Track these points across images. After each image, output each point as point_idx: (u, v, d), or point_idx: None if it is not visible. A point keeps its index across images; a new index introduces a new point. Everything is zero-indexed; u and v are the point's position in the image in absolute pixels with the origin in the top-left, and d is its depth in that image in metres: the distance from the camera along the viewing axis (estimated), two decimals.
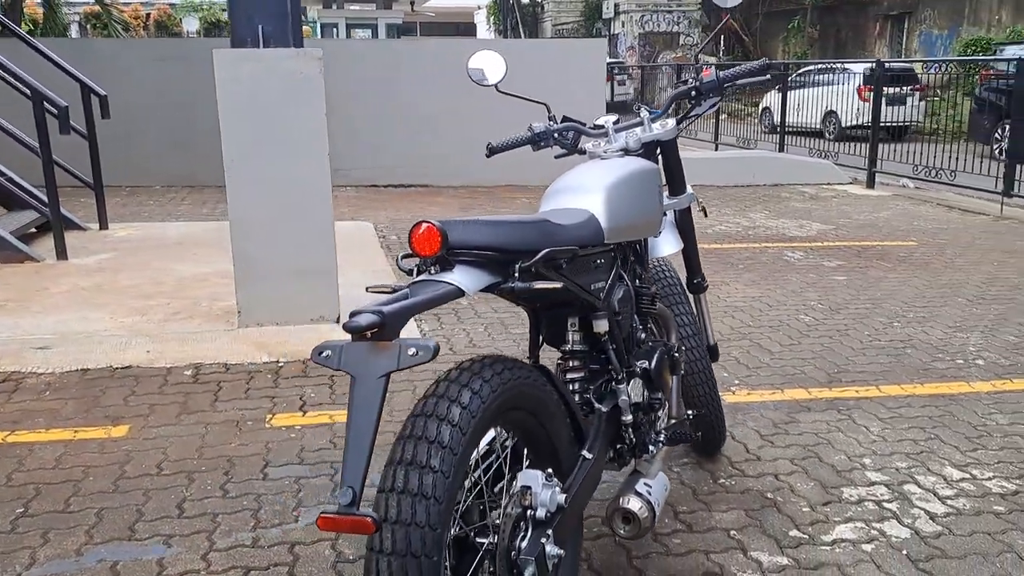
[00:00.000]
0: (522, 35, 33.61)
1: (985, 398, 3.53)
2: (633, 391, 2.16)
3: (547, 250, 1.70)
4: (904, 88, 16.52)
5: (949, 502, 2.66)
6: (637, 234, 2.28)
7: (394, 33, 33.33)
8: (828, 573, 2.28)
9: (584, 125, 2.53)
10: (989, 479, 2.81)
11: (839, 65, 16.88)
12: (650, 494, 2.10)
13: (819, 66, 16.95)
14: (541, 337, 2.14)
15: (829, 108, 16.74)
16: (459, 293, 1.60)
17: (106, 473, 2.82)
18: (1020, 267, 5.95)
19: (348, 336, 1.45)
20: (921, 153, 9.71)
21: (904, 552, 2.38)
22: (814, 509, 2.62)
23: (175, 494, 2.68)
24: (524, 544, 1.68)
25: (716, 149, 13.88)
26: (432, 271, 1.64)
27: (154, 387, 3.57)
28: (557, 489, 1.76)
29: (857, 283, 5.46)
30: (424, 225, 1.58)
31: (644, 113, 2.50)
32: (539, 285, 1.70)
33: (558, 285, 1.72)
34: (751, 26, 27.94)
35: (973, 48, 18.10)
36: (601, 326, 2.05)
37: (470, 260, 1.65)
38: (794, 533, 2.48)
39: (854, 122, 15.96)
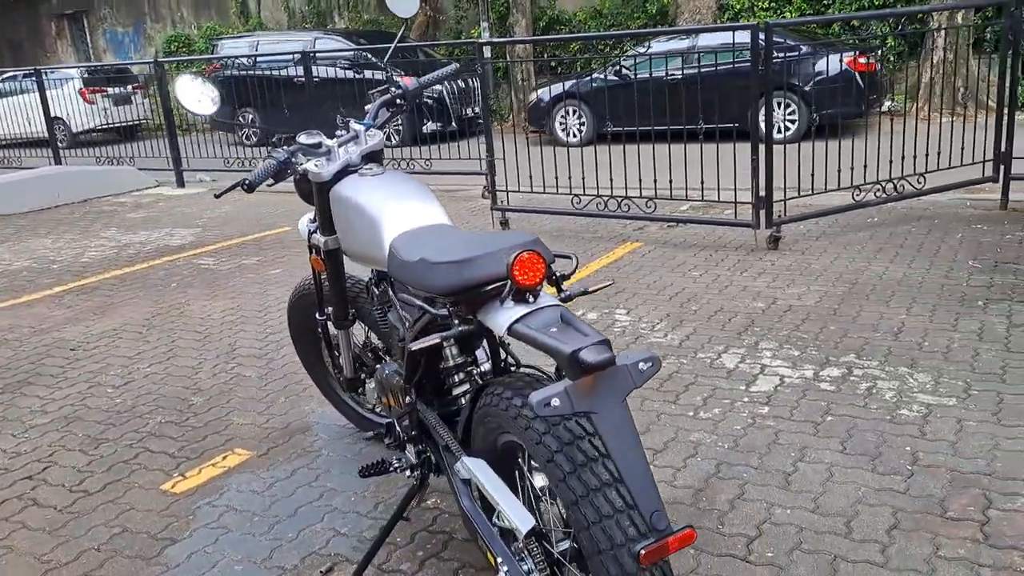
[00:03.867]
0: None
1: None
2: None
3: (576, 260, 1.80)
4: (127, 87, 16.67)
5: None
6: None
7: None
8: None
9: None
10: None
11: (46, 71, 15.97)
12: None
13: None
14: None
15: (54, 115, 15.83)
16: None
17: None
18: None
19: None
20: (212, 147, 10.20)
21: None
22: None
23: None
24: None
25: None
26: (529, 299, 1.61)
27: None
28: None
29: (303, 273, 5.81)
30: (527, 253, 1.56)
31: (358, 126, 2.49)
32: (596, 287, 1.80)
33: (611, 282, 1.87)
34: None
35: (176, 44, 19.06)
36: None
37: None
38: None
39: (87, 126, 15.55)
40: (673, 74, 7.31)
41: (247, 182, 2.24)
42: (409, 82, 2.58)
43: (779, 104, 9.56)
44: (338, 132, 2.53)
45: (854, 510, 2.53)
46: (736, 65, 8.61)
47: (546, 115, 11.22)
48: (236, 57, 12.55)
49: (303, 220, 2.76)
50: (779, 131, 9.48)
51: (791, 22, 10.86)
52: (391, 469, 2.33)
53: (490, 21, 13.70)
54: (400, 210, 2.16)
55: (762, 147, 5.34)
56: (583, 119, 10.91)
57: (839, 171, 5.70)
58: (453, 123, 11.96)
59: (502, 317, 1.66)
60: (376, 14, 16.78)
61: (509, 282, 1.63)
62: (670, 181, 5.70)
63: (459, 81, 12.77)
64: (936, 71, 10.38)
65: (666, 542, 1.38)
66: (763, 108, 5.25)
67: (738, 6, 12.26)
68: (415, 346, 1.81)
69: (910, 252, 5.13)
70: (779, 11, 11.87)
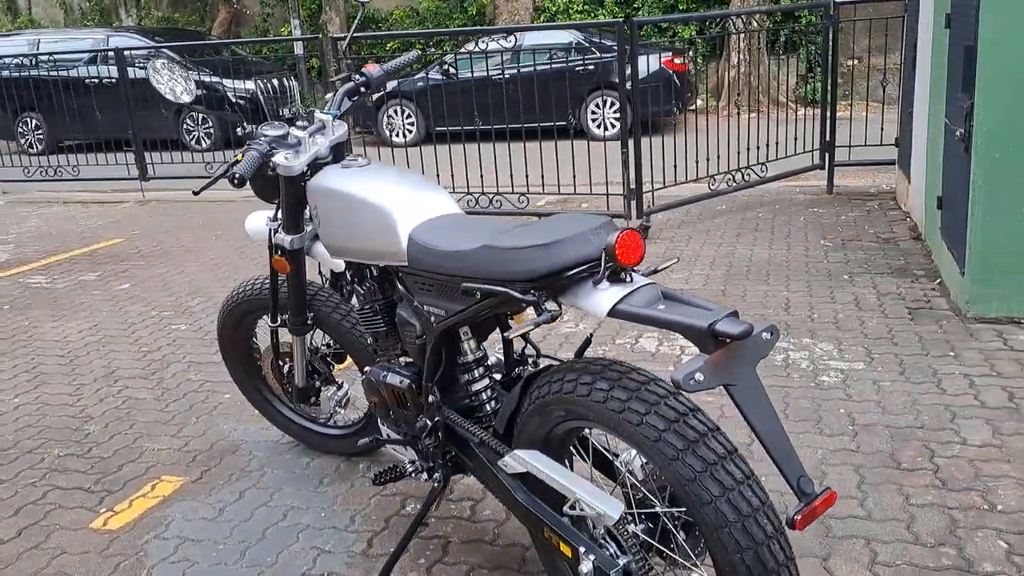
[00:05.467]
0: None
1: None
2: None
3: None
4: None
5: None
6: None
7: None
8: None
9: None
10: None
11: None
12: None
13: None
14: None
15: None
16: None
17: None
18: (229, 240, 6.64)
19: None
20: None
21: None
22: None
23: None
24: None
25: None
26: (626, 278, 1.59)
27: None
28: None
29: (153, 287, 5.35)
30: (628, 232, 1.54)
31: (325, 116, 2.34)
32: (664, 267, 1.80)
33: (676, 260, 1.87)
34: None
35: None
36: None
37: None
38: None
39: None
40: (497, 73, 7.38)
41: (236, 176, 2.03)
42: (373, 69, 2.45)
43: (605, 102, 9.97)
44: (299, 123, 2.36)
45: (821, 471, 2.70)
46: (569, 64, 8.92)
47: (372, 116, 11.01)
48: (34, 55, 11.25)
49: (255, 219, 2.55)
50: (605, 128, 9.92)
51: (655, 19, 11.60)
52: (408, 474, 2.21)
53: (300, 18, 13.26)
54: (414, 200, 2.05)
55: (631, 142, 5.56)
56: (412, 119, 10.82)
57: (697, 163, 6.04)
58: None
59: (602, 299, 1.61)
60: (169, 11, 15.72)
61: (603, 262, 1.60)
62: (542, 177, 5.80)
63: (273, 80, 12.27)
64: (736, 71, 11.26)
65: (815, 505, 1.41)
66: (628, 104, 5.46)
67: (553, 8, 12.66)
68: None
69: (766, 235, 5.53)
70: (593, 14, 12.38)
